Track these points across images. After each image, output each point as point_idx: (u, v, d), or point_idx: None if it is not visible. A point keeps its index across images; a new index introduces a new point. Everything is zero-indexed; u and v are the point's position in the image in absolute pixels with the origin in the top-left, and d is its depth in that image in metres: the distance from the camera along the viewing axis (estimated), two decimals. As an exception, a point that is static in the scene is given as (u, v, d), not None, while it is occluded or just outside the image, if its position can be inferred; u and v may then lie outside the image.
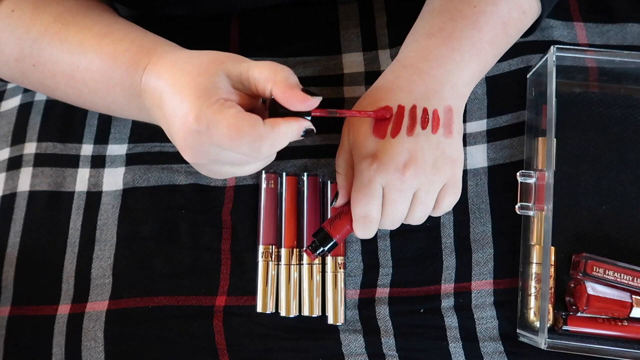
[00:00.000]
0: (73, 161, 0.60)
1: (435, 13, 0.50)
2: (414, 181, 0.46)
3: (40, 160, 0.60)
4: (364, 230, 0.48)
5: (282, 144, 0.41)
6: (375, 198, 0.46)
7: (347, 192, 0.49)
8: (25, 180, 0.60)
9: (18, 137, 0.62)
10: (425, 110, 0.47)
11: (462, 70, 0.48)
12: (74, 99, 0.52)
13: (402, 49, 0.51)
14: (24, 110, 0.63)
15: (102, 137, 0.61)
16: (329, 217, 0.56)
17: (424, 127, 0.47)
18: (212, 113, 0.39)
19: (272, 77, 0.40)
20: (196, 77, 0.41)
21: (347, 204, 0.49)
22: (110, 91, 0.48)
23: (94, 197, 0.59)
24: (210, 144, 0.40)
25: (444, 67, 0.48)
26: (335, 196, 0.50)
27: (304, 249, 0.51)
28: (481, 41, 0.49)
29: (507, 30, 0.50)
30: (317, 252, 0.50)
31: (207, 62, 0.42)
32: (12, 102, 0.64)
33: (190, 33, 0.64)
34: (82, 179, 0.60)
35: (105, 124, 0.62)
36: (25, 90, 0.64)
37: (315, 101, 0.41)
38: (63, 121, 0.61)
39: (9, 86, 0.65)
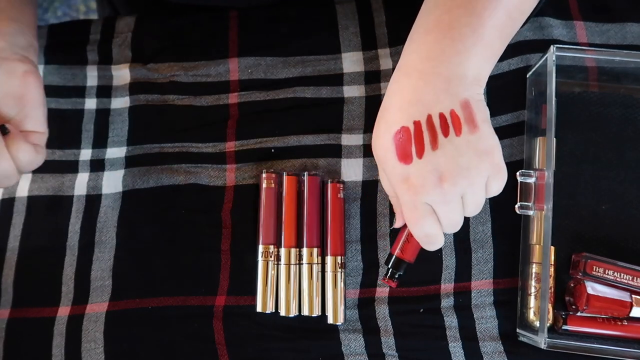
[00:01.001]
0: (72, 166, 0.60)
1: (430, 9, 0.48)
2: (455, 190, 0.45)
3: (39, 168, 0.60)
4: (432, 246, 0.48)
5: None
6: (426, 218, 0.46)
7: (402, 214, 0.50)
8: (24, 186, 0.60)
9: None
10: (442, 116, 0.45)
11: (468, 60, 0.46)
12: None
13: (402, 53, 0.49)
14: None
15: (100, 141, 0.61)
16: (330, 214, 0.56)
17: (445, 134, 0.45)
18: None
19: None
20: None
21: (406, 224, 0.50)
22: None
23: (93, 200, 0.59)
24: None
25: (448, 62, 0.46)
26: (394, 218, 0.52)
27: (383, 279, 0.52)
28: (483, 27, 0.46)
29: (509, 12, 0.47)
30: (395, 277, 0.52)
31: None
32: None
33: (189, 32, 0.64)
34: (81, 183, 0.60)
35: (103, 127, 0.62)
36: None
37: None
38: (58, 128, 0.61)
39: None
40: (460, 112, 0.45)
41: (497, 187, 0.47)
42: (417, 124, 0.45)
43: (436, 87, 0.46)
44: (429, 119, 0.45)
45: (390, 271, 0.52)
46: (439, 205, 0.46)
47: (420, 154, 0.45)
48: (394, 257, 0.51)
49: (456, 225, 0.48)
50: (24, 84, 0.52)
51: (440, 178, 0.45)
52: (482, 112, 0.46)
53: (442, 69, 0.46)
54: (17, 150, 0.50)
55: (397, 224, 0.51)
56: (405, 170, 0.45)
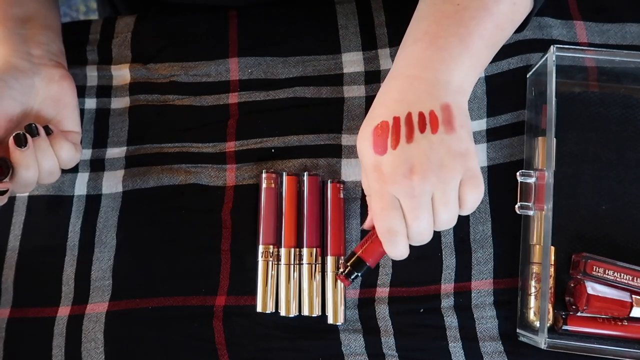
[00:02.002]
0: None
1: (419, 19, 0.50)
2: (424, 185, 0.45)
3: None
4: (392, 246, 0.46)
5: None
6: (392, 209, 0.45)
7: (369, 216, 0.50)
8: None
9: None
10: (421, 114, 0.46)
11: (454, 68, 0.47)
12: None
13: (394, 62, 0.50)
14: None
15: (100, 141, 0.61)
16: (330, 214, 0.56)
17: (422, 130, 0.45)
18: None
19: None
20: None
21: None
22: None
23: (93, 200, 0.59)
24: None
25: (433, 68, 0.47)
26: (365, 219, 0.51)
27: (338, 274, 0.51)
28: (469, 36, 0.47)
29: (497, 22, 0.48)
30: (351, 277, 0.50)
31: None
32: None
33: (189, 32, 0.64)
34: (81, 183, 0.60)
35: (103, 127, 0.62)
36: None
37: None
38: None
39: None
40: (439, 113, 0.46)
41: (471, 196, 0.46)
42: (395, 119, 0.46)
43: (419, 89, 0.47)
44: (409, 115, 0.46)
45: (347, 269, 0.50)
46: (406, 198, 0.45)
47: (395, 145, 0.45)
48: (355, 255, 0.50)
49: (423, 233, 0.46)
50: (61, 88, 0.55)
51: (411, 170, 0.45)
52: (461, 118, 0.46)
53: (428, 74, 0.47)
54: (60, 148, 0.53)
55: (366, 225, 0.51)
56: (378, 159, 0.46)
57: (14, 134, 0.49)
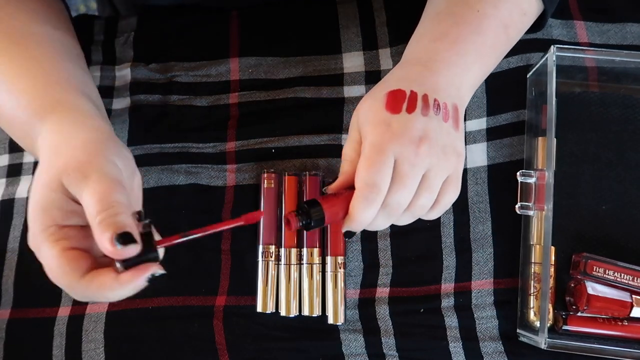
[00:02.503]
0: None
1: (438, 18, 0.50)
2: (426, 159, 0.44)
3: None
4: (366, 202, 0.43)
5: (101, 297, 0.39)
6: (386, 167, 0.43)
7: (349, 177, 0.46)
8: (24, 187, 0.60)
9: (16, 146, 0.62)
10: (436, 100, 0.46)
11: (466, 75, 0.48)
12: None
13: (408, 52, 0.50)
14: None
15: None
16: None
17: (436, 112, 0.46)
18: (41, 241, 0.39)
19: (94, 217, 0.37)
20: (42, 186, 0.39)
21: (346, 189, 0.46)
22: (17, 139, 0.49)
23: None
24: (45, 265, 0.40)
25: (451, 70, 0.48)
26: (330, 183, 0.47)
27: (288, 212, 0.45)
28: (484, 45, 0.49)
29: (508, 33, 0.50)
30: (302, 222, 0.44)
31: (54, 173, 0.39)
32: None
33: (190, 32, 0.64)
34: None
35: None
36: None
37: (126, 251, 0.37)
38: None
39: None
40: (450, 110, 0.47)
41: (449, 196, 0.47)
42: (413, 92, 0.46)
43: (438, 81, 0.47)
44: (425, 96, 0.46)
45: (303, 208, 0.44)
46: (404, 163, 0.43)
47: (410, 110, 0.45)
48: (314, 200, 0.44)
49: (400, 204, 0.44)
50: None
51: (420, 139, 0.44)
52: (462, 123, 0.48)
53: (446, 73, 0.48)
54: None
55: (335, 185, 0.46)
56: (390, 117, 0.45)
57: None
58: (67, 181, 0.39)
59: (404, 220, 0.47)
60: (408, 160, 0.43)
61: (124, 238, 0.37)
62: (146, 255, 0.38)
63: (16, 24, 0.49)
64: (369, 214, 0.44)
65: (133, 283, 0.37)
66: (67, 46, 0.52)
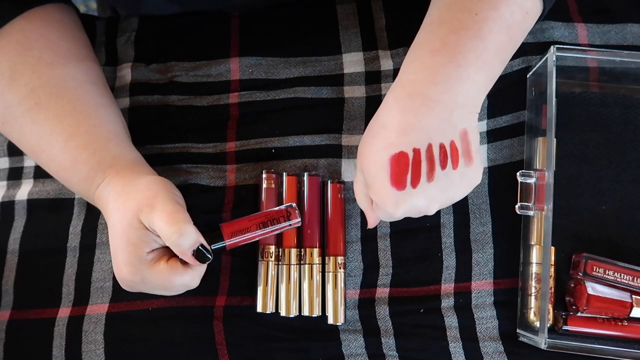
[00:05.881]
0: None
1: (435, 25, 0.48)
2: (435, 210, 0.48)
3: (41, 173, 0.60)
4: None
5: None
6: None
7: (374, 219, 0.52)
8: (25, 190, 0.60)
9: (16, 150, 0.62)
10: (442, 147, 0.45)
11: (469, 87, 0.46)
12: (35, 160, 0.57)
13: (405, 69, 0.48)
14: None
15: None
16: (330, 214, 0.56)
17: (443, 167, 0.46)
18: (146, 269, 0.48)
19: (166, 238, 0.47)
20: (127, 229, 0.48)
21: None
22: (68, 183, 0.55)
23: (94, 201, 0.59)
24: (145, 288, 0.50)
25: (452, 90, 0.46)
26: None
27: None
28: (487, 51, 0.47)
29: (511, 34, 0.48)
30: (203, 252, 0.49)
31: (131, 214, 0.48)
32: None
33: (191, 32, 0.64)
34: None
35: None
36: None
37: (203, 266, 0.50)
38: None
39: None
40: (459, 144, 0.46)
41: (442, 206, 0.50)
42: (416, 152, 0.46)
43: (440, 116, 0.46)
44: (429, 148, 0.46)
45: (209, 237, 0.50)
46: (406, 214, 0.48)
47: (415, 183, 0.46)
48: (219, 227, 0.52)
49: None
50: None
51: (428, 206, 0.47)
52: (476, 141, 0.47)
53: (446, 97, 0.46)
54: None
55: (371, 224, 0.52)
56: (396, 193, 0.46)
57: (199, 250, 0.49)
58: (142, 217, 0.48)
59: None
60: (411, 214, 0.48)
61: (200, 255, 0.49)
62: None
63: (46, 70, 0.53)
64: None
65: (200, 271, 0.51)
66: (94, 77, 0.57)
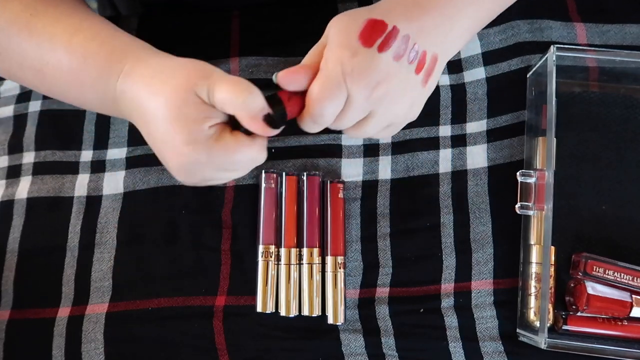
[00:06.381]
0: (73, 168, 0.60)
1: None
2: (376, 103, 0.45)
3: (39, 169, 0.60)
4: (312, 125, 0.46)
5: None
6: (337, 101, 0.44)
7: (308, 78, 0.45)
8: (24, 188, 0.60)
9: (15, 147, 0.62)
10: (416, 45, 0.45)
11: (458, 18, 0.46)
12: (44, 92, 0.52)
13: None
14: (19, 121, 0.63)
15: (101, 142, 0.61)
16: (330, 214, 0.56)
17: (410, 60, 0.45)
18: (212, 144, 0.43)
19: (233, 104, 0.42)
20: (181, 107, 0.42)
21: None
22: (82, 91, 0.49)
23: (93, 201, 0.59)
24: (210, 169, 0.44)
25: (443, 11, 0.46)
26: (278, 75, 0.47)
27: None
28: None
29: None
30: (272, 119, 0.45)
31: (184, 90, 0.43)
32: (6, 111, 0.64)
33: (191, 32, 0.64)
34: (81, 185, 0.60)
35: (104, 128, 0.61)
36: (18, 101, 0.64)
37: (275, 132, 0.43)
38: (59, 129, 0.61)
39: (2, 94, 0.65)
40: (428, 60, 0.46)
41: (382, 134, 0.49)
42: (395, 29, 0.44)
43: (425, 24, 0.45)
44: (406, 37, 0.45)
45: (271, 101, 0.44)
46: (353, 102, 0.44)
47: (382, 48, 0.44)
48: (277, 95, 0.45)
49: (341, 126, 0.46)
50: None
51: (378, 83, 0.44)
52: (437, 76, 0.47)
53: (436, 14, 0.46)
54: None
55: (296, 84, 0.46)
56: (359, 46, 0.44)
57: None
58: (198, 90, 0.42)
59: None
60: (358, 101, 0.44)
61: (270, 119, 0.43)
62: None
63: None
64: (315, 131, 0.46)
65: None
66: None
